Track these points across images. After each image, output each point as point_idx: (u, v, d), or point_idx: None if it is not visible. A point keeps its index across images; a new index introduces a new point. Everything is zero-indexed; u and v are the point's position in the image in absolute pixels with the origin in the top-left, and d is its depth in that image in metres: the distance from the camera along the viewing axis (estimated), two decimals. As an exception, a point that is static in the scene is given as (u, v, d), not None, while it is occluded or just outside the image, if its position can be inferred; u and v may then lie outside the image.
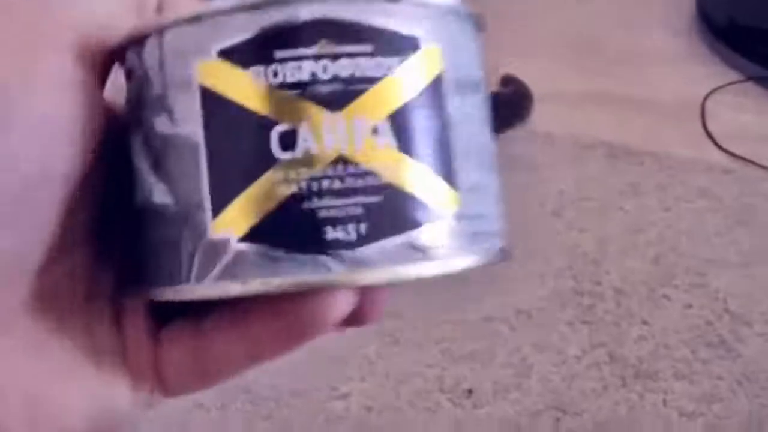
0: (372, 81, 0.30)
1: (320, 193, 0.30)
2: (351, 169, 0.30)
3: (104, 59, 0.33)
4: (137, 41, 0.32)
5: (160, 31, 0.31)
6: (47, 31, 0.31)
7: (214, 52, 0.29)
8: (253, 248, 0.30)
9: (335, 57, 0.30)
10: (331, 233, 0.30)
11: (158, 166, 0.31)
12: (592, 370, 1.21)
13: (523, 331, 1.26)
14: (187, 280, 0.31)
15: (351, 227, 0.31)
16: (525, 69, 1.88)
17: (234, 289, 0.30)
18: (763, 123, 1.72)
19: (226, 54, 0.29)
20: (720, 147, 1.63)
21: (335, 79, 0.30)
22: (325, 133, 0.30)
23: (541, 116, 1.68)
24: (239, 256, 0.30)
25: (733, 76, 1.87)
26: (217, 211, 0.30)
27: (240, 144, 0.30)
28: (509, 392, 1.19)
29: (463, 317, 1.26)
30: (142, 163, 0.32)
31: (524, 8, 2.19)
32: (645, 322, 1.26)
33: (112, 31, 0.32)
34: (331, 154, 0.30)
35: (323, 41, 0.29)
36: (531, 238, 1.40)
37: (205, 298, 0.32)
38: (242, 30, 0.29)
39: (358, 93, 0.30)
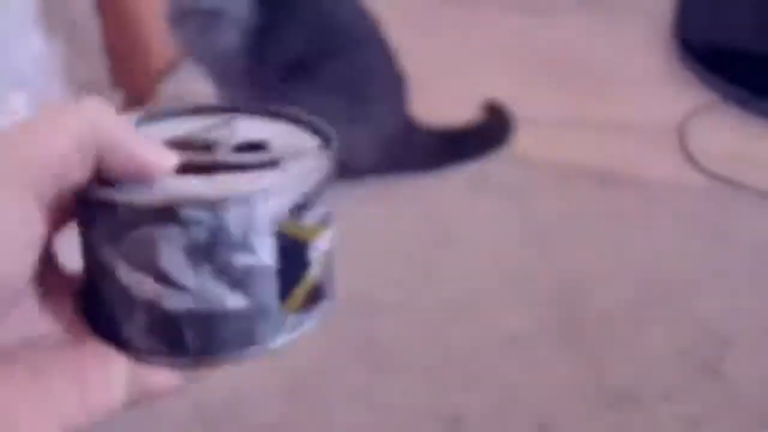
0: None
1: None
2: None
3: (61, 199, 0.42)
4: (210, 203, 0.43)
5: (247, 199, 0.43)
6: (10, 167, 0.39)
7: (287, 210, 0.45)
8: None
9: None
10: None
11: (236, 284, 0.44)
12: (579, 394, 1.21)
13: (510, 356, 1.26)
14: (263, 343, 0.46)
15: None
16: (504, 92, 1.90)
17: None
18: (742, 143, 1.74)
19: (292, 212, 0.45)
20: (700, 168, 1.65)
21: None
22: None
23: (522, 141, 1.69)
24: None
25: (712, 97, 1.89)
26: (284, 301, 0.46)
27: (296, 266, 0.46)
28: (497, 418, 1.19)
29: (449, 344, 1.26)
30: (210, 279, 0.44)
31: (504, 31, 2.21)
32: (630, 345, 1.27)
33: (69, 172, 0.41)
34: None
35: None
36: (515, 263, 1.41)
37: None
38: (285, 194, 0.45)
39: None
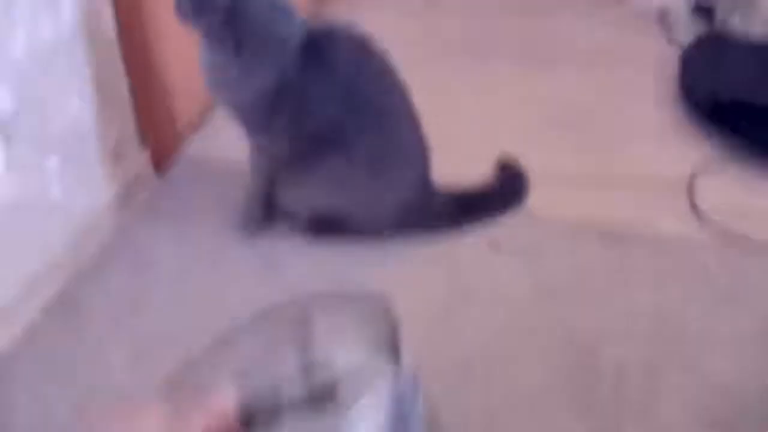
0: None
1: None
2: None
3: None
4: None
5: None
6: None
7: None
8: None
9: None
10: None
11: None
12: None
13: (524, 415, 1.30)
14: None
15: None
16: (516, 148, 1.94)
17: None
18: (749, 198, 1.78)
19: None
20: (708, 223, 1.69)
21: None
22: None
23: (533, 198, 1.74)
24: None
25: (718, 152, 1.93)
26: None
27: None
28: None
29: (468, 403, 1.30)
30: None
31: (516, 87, 2.26)
32: (642, 401, 1.30)
33: None
34: None
35: None
36: (528, 320, 1.45)
37: None
38: None
39: None
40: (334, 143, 1.53)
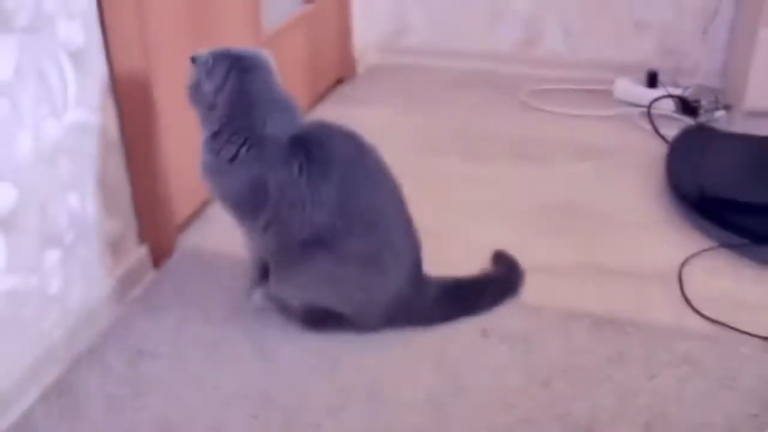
0: None
1: None
2: None
3: None
4: None
5: None
6: None
7: None
8: None
9: None
10: None
11: None
12: None
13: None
14: None
15: None
16: (510, 240, 1.98)
17: None
18: (739, 288, 1.81)
19: None
20: (699, 313, 1.71)
21: None
22: None
23: (527, 288, 1.77)
24: None
25: (706, 242, 1.97)
26: None
27: None
28: None
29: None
30: None
31: (509, 180, 2.32)
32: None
33: None
34: None
35: None
36: (523, 408, 1.46)
37: None
38: None
39: None
40: (322, 242, 1.55)
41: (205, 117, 1.60)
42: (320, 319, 1.64)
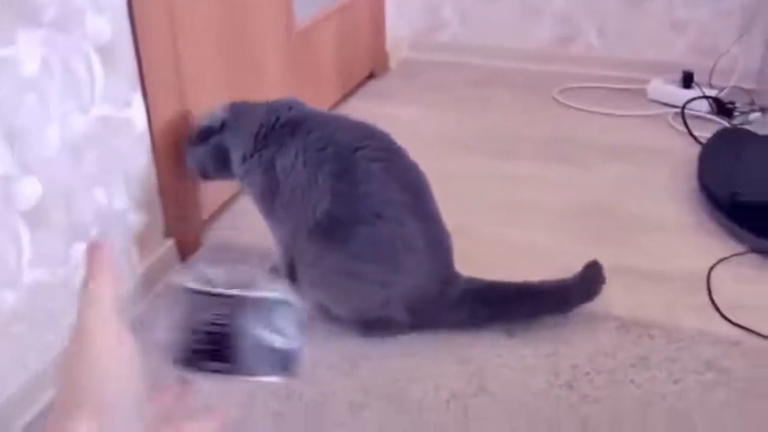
0: None
1: None
2: None
3: None
4: None
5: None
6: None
7: None
8: None
9: None
10: None
11: None
12: None
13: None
14: None
15: None
16: (543, 241, 1.98)
17: None
18: (767, 294, 1.79)
19: None
20: (726, 318, 1.69)
21: None
22: None
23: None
24: None
25: (737, 247, 1.94)
26: None
27: None
28: None
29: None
30: None
31: (536, 181, 2.30)
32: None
33: None
34: None
35: None
36: (546, 410, 1.45)
37: None
38: None
39: None
40: (328, 234, 1.55)
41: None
42: (371, 324, 1.62)
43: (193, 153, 1.78)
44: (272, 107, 1.69)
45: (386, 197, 1.56)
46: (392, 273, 1.57)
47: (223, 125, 1.72)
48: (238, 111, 1.73)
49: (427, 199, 1.62)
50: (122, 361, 0.66)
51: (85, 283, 0.68)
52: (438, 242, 1.62)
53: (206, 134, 1.74)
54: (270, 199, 1.63)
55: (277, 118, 1.66)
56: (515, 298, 1.64)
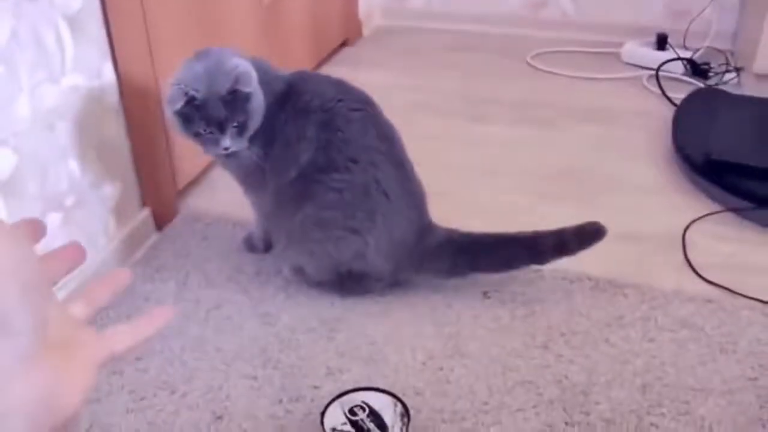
0: None
1: None
2: None
3: None
4: None
5: None
6: None
7: None
8: None
9: None
10: None
11: None
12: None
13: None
14: None
15: None
16: (515, 202, 1.98)
17: None
18: (742, 252, 1.80)
19: None
20: (701, 277, 1.71)
21: None
22: None
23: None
24: None
25: (712, 206, 1.96)
26: None
27: None
28: None
29: (459, 452, 1.31)
30: None
31: (510, 143, 2.31)
32: (635, 452, 1.31)
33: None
34: None
35: None
36: (522, 370, 1.46)
37: None
38: None
39: None
40: (307, 190, 1.56)
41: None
42: (345, 281, 1.64)
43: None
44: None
45: (364, 143, 1.56)
46: (367, 220, 1.56)
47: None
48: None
49: (402, 151, 1.63)
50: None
51: None
52: (413, 191, 1.63)
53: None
54: (260, 171, 1.61)
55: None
56: (493, 247, 1.64)
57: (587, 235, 1.60)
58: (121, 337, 0.68)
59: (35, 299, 0.53)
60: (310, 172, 1.55)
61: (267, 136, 1.57)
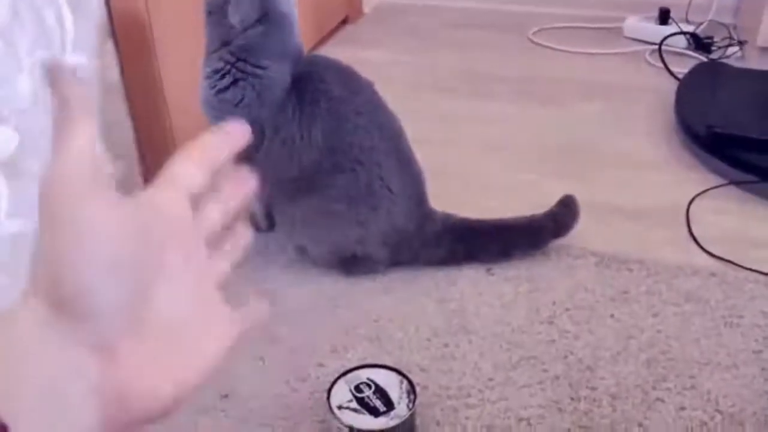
0: None
1: None
2: None
3: None
4: None
5: None
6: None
7: None
8: None
9: None
10: None
11: None
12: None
13: (524, 439, 1.31)
14: None
15: None
16: (518, 178, 1.98)
17: None
18: (746, 226, 1.80)
19: None
20: (705, 250, 1.70)
21: None
22: None
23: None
24: None
25: (716, 180, 1.95)
26: None
27: None
28: (513, 499, 1.23)
29: (464, 425, 1.31)
30: None
31: (512, 119, 2.30)
32: (640, 425, 1.30)
33: None
34: None
35: None
36: (527, 346, 1.46)
37: None
38: None
39: None
40: (310, 183, 1.56)
41: (214, 48, 1.58)
42: (349, 262, 1.64)
43: None
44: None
45: (370, 146, 1.56)
46: (371, 213, 1.58)
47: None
48: None
49: (404, 143, 1.63)
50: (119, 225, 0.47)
51: (60, 132, 0.46)
52: (414, 181, 1.63)
53: None
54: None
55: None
56: (490, 235, 1.66)
57: (573, 205, 1.66)
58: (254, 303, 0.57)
59: (136, 271, 0.45)
60: (313, 173, 1.55)
61: (274, 123, 1.57)
